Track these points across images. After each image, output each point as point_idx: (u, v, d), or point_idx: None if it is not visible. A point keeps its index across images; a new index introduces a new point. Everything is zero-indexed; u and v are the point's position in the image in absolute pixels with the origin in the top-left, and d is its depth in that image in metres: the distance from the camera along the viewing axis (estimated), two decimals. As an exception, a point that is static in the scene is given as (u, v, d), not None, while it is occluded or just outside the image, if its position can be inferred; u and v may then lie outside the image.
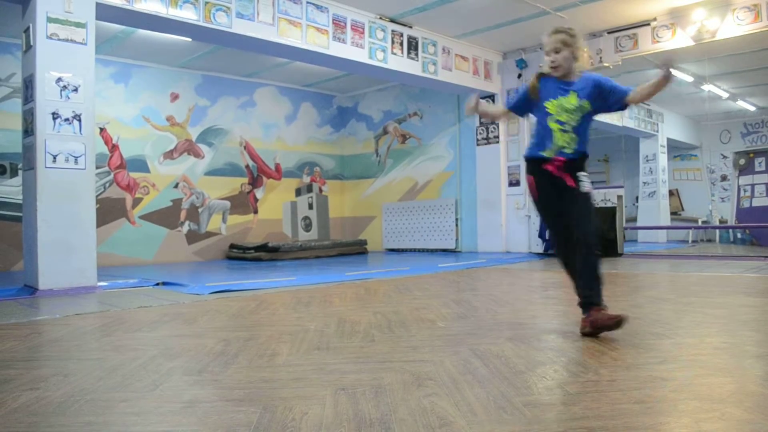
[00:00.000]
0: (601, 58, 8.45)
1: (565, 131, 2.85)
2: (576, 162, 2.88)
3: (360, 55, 7.44)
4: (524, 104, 3.05)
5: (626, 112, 10.92)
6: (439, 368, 2.21)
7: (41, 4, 4.93)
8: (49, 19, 4.97)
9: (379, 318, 3.39)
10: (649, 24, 8.00)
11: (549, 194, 2.93)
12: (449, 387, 1.95)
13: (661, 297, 4.18)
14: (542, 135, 2.91)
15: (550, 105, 2.87)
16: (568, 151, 2.85)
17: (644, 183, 11.79)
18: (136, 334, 3.04)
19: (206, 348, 2.64)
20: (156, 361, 2.40)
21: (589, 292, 2.75)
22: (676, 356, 2.33)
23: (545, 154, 2.89)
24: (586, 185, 2.87)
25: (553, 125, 2.86)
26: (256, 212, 10.24)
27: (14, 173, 7.57)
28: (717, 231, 11.10)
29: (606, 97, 2.86)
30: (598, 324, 2.67)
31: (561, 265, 3.01)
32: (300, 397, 1.86)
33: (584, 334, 2.73)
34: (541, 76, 2.95)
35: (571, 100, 2.85)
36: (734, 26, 7.30)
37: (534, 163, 2.96)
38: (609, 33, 8.38)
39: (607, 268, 6.55)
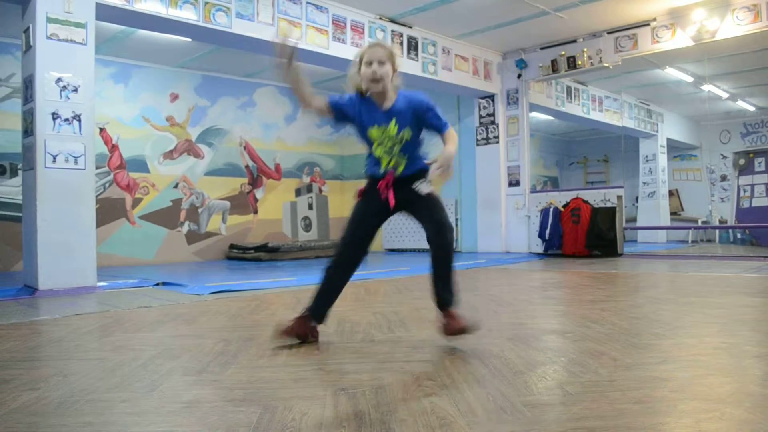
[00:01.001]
0: (600, 58, 8.45)
1: (392, 156, 2.69)
2: (411, 178, 2.71)
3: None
4: (346, 115, 2.74)
5: (626, 111, 10.96)
6: (439, 368, 2.21)
7: (41, 5, 4.93)
8: (49, 20, 4.97)
9: (379, 318, 3.39)
10: (648, 24, 8.01)
11: (370, 203, 2.77)
12: (449, 387, 1.95)
13: (661, 297, 4.18)
14: (372, 159, 2.76)
15: (373, 132, 2.68)
16: (399, 170, 2.69)
17: (644, 183, 11.82)
18: (136, 335, 3.04)
19: (206, 348, 2.64)
20: (156, 362, 2.40)
21: (449, 293, 2.65)
22: (676, 356, 2.34)
23: (376, 172, 2.75)
24: (423, 188, 2.68)
25: (379, 152, 2.70)
26: (255, 212, 10.24)
27: (14, 173, 7.57)
28: (717, 231, 11.10)
29: (425, 124, 2.69)
30: (450, 331, 2.58)
31: (325, 278, 2.76)
32: (300, 398, 1.86)
33: (454, 333, 2.61)
34: (359, 94, 2.72)
35: (391, 130, 2.66)
36: (734, 26, 7.31)
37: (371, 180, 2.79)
38: (609, 33, 8.39)
39: (606, 268, 6.60)
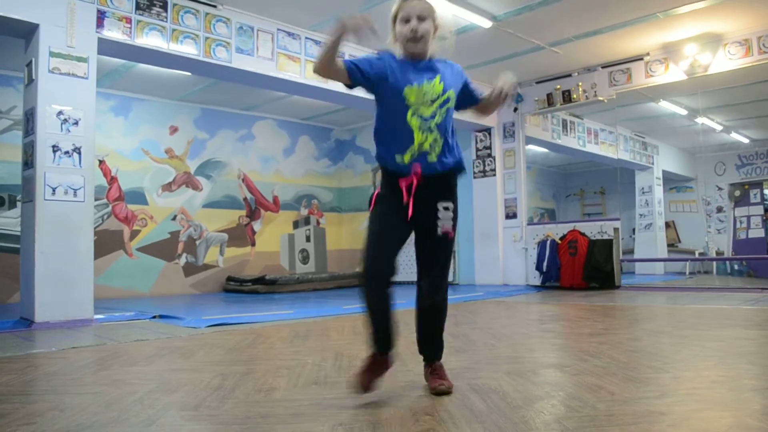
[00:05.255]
0: (595, 92, 8.56)
1: (430, 131, 2.22)
2: (443, 180, 2.27)
3: (358, 89, 7.51)
4: (368, 75, 2.26)
5: (621, 144, 11.05)
6: (437, 403, 2.20)
7: (44, 39, 5.01)
8: (52, 54, 5.04)
9: (376, 351, 3.37)
10: (642, 59, 8.14)
11: (391, 207, 2.27)
12: (447, 422, 1.95)
13: (659, 330, 4.17)
14: (393, 140, 2.26)
15: (411, 92, 2.20)
16: (432, 158, 2.23)
17: (640, 215, 11.84)
18: (133, 368, 3.02)
19: (203, 382, 2.63)
20: (152, 396, 2.39)
21: (436, 347, 2.46)
22: (674, 390, 2.33)
23: (399, 160, 2.24)
24: (446, 222, 2.26)
25: (414, 122, 2.20)
26: (253, 245, 10.24)
27: (13, 205, 7.59)
28: (714, 263, 11.11)
29: (465, 92, 2.39)
30: (436, 392, 2.31)
31: (370, 299, 2.29)
32: (297, 433, 1.86)
33: (438, 393, 2.31)
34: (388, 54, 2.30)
35: (436, 87, 2.22)
36: (726, 61, 7.43)
37: (388, 176, 2.30)
38: (603, 67, 8.52)
39: (604, 300, 6.59)
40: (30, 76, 5.10)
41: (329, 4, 6.37)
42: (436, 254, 2.34)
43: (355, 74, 2.24)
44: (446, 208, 2.25)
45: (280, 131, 10.81)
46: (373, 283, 2.25)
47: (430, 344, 2.45)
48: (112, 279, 8.41)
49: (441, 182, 2.26)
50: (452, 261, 2.36)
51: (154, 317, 5.47)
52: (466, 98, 2.40)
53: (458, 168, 2.30)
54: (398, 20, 2.22)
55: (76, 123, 5.13)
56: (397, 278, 2.30)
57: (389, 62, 2.26)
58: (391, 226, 2.26)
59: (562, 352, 3.36)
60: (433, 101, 2.20)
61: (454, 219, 2.29)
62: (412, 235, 2.37)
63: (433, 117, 2.19)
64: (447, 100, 2.23)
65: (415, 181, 2.20)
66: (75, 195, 5.09)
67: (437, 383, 2.32)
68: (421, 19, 2.18)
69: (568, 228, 8.73)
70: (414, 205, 2.22)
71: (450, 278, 10.09)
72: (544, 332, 4.31)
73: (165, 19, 5.83)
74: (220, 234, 9.79)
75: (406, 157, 2.21)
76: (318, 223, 11.27)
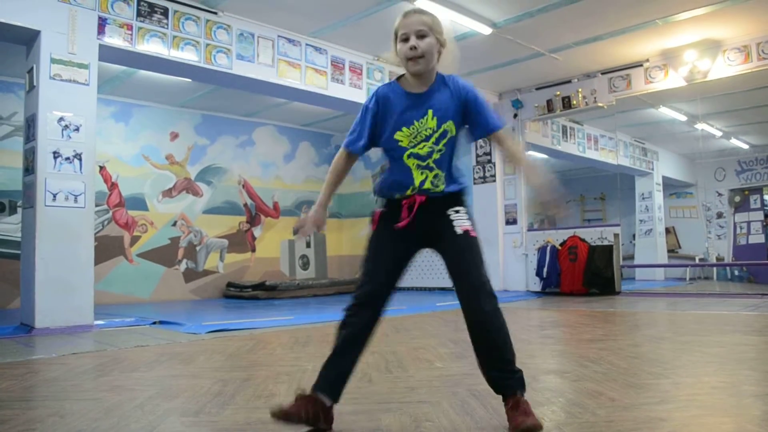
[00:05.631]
0: (595, 98, 8.58)
1: (429, 170, 2.06)
2: (448, 197, 2.09)
3: (358, 96, 7.55)
4: (373, 137, 2.11)
5: (621, 150, 11.05)
6: (437, 409, 2.20)
7: (45, 46, 5.03)
8: (53, 60, 5.06)
9: (376, 358, 3.38)
10: (641, 65, 8.16)
11: (388, 235, 2.11)
12: (447, 429, 1.95)
13: (659, 336, 4.17)
14: (394, 175, 2.10)
15: (403, 134, 2.04)
16: (435, 191, 2.06)
17: (641, 221, 11.84)
18: (133, 374, 3.02)
19: (203, 388, 2.63)
20: (153, 402, 2.39)
21: (508, 375, 1.98)
22: (674, 396, 2.33)
23: (399, 197, 2.08)
24: (463, 222, 2.06)
25: (411, 162, 2.05)
26: (253, 250, 10.25)
27: (13, 211, 7.59)
28: (714, 268, 11.11)
29: (472, 116, 2.08)
30: (521, 429, 1.83)
31: (342, 334, 2.03)
32: (297, 439, 1.85)
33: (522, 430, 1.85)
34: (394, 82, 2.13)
35: (429, 122, 2.04)
36: (725, 67, 7.45)
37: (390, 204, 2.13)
38: (603, 74, 8.53)
39: (604, 306, 6.58)
40: (31, 82, 5.12)
41: (330, 11, 6.40)
42: (464, 256, 2.01)
43: (365, 150, 2.15)
44: (457, 212, 2.06)
45: (281, 137, 10.83)
46: (360, 300, 2.05)
47: (499, 371, 1.98)
48: (113, 285, 8.41)
49: (446, 198, 2.08)
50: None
51: (155, 323, 5.47)
52: (475, 126, 2.09)
53: (461, 193, 2.12)
54: (398, 38, 2.04)
55: (77, 129, 5.14)
56: (403, 284, 2.16)
57: (383, 106, 2.08)
58: (388, 247, 2.11)
59: (563, 358, 3.36)
60: (428, 138, 2.03)
61: (470, 220, 2.08)
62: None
63: (430, 155, 2.03)
64: (444, 134, 2.04)
65: (417, 200, 2.05)
66: (75, 201, 5.09)
67: (520, 420, 1.85)
68: (420, 36, 1.99)
69: (568, 234, 8.73)
70: (417, 220, 2.04)
71: (450, 284, 10.13)
72: (545, 338, 4.30)
73: (166, 26, 5.85)
74: (221, 240, 9.79)
75: (408, 193, 2.06)
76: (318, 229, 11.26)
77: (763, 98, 8.82)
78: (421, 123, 2.03)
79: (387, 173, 2.13)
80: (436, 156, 2.04)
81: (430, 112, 2.03)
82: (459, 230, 2.03)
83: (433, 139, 2.03)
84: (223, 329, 4.89)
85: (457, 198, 2.09)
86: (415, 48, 1.98)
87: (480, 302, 1.95)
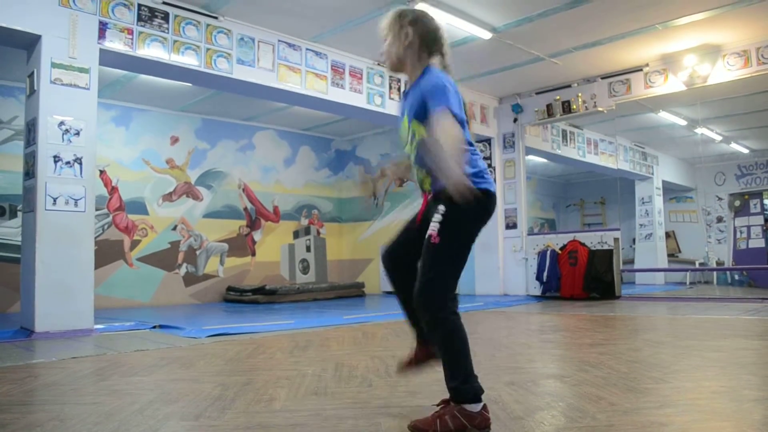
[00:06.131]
0: (595, 102, 8.59)
1: (417, 167, 2.14)
2: (435, 200, 2.08)
3: (358, 100, 7.56)
4: None
5: (621, 154, 11.06)
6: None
7: (46, 50, 5.04)
8: (54, 65, 5.07)
9: (376, 362, 3.38)
10: (641, 69, 8.17)
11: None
12: (447, 432, 1.94)
13: (659, 340, 4.17)
14: None
15: (401, 136, 2.15)
16: (426, 188, 2.13)
17: (641, 225, 11.85)
18: (133, 378, 3.02)
19: (203, 393, 2.63)
20: (153, 406, 2.39)
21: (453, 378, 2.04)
22: (675, 401, 2.33)
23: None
24: (433, 226, 2.01)
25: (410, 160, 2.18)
26: (253, 255, 10.24)
27: (13, 215, 7.60)
28: (714, 273, 11.11)
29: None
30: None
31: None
32: (297, 443, 1.85)
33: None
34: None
35: (404, 123, 2.11)
36: (725, 71, 7.46)
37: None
38: (602, 78, 8.54)
39: (604, 310, 6.58)
40: (32, 86, 5.13)
41: (330, 16, 6.41)
42: (421, 262, 2.04)
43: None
44: (436, 212, 2.01)
45: (281, 141, 10.83)
46: (383, 260, 2.25)
47: (445, 371, 2.05)
48: (113, 289, 8.40)
49: (434, 197, 2.09)
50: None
51: (155, 327, 5.47)
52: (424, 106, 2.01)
53: (444, 192, 1.95)
54: None
55: (77, 133, 5.15)
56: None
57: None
58: (407, 227, 2.25)
59: (563, 363, 3.36)
60: (410, 138, 2.08)
61: (442, 223, 1.99)
62: None
63: (413, 156, 2.12)
64: (414, 134, 2.04)
65: (425, 198, 2.15)
66: (76, 205, 5.10)
67: (418, 421, 1.97)
68: (384, 40, 2.07)
69: (568, 238, 8.74)
70: (423, 217, 2.13)
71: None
72: (545, 342, 4.30)
73: (166, 31, 5.86)
74: (221, 244, 9.79)
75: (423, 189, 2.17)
76: (318, 233, 11.28)
77: (762, 103, 8.83)
78: (403, 124, 2.10)
79: None
80: (413, 155, 2.10)
81: (406, 111, 2.09)
82: (427, 233, 2.02)
83: (410, 140, 2.09)
84: (223, 333, 4.89)
85: (438, 197, 2.04)
86: (381, 53, 2.11)
87: (419, 311, 2.04)
